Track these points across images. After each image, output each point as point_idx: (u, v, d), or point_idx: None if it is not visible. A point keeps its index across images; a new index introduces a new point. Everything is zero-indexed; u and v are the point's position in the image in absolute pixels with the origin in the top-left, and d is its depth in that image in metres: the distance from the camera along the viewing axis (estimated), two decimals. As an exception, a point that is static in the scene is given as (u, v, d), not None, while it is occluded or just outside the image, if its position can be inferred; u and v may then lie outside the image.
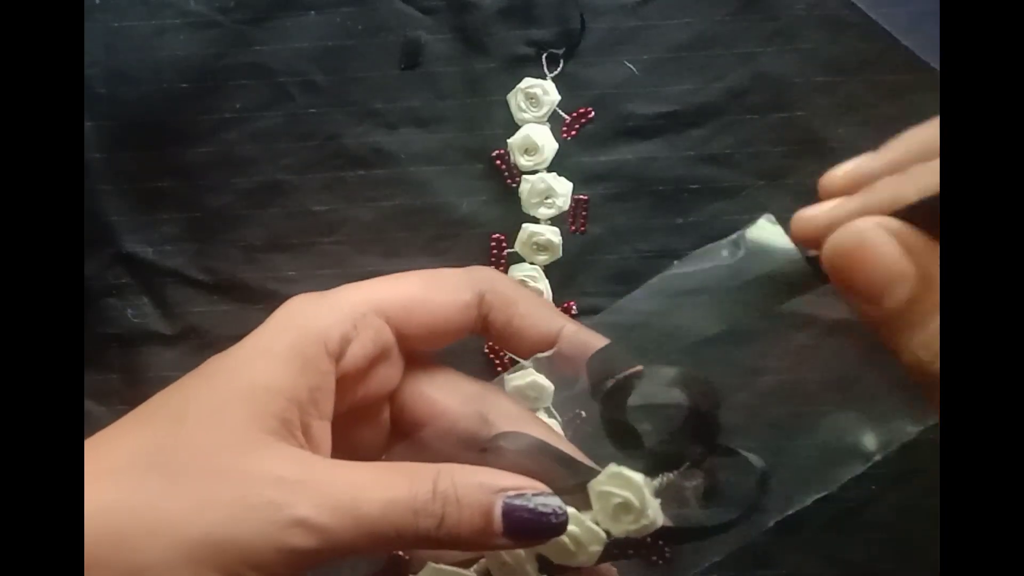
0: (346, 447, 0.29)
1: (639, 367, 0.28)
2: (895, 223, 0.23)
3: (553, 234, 0.40)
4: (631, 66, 0.41)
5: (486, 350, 0.41)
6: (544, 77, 0.41)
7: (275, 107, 0.41)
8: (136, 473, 0.26)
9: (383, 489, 0.26)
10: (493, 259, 0.41)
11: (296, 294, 0.31)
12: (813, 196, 0.29)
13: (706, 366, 0.28)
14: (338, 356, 0.29)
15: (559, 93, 0.40)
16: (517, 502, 0.26)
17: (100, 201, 0.41)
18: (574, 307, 0.41)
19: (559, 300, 0.41)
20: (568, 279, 0.41)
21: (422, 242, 0.41)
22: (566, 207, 0.40)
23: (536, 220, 0.41)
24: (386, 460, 0.32)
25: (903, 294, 0.23)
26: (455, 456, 0.28)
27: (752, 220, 0.28)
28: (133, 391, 0.41)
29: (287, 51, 0.41)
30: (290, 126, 0.41)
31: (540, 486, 0.27)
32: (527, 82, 0.40)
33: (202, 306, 0.41)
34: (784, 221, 0.28)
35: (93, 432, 0.28)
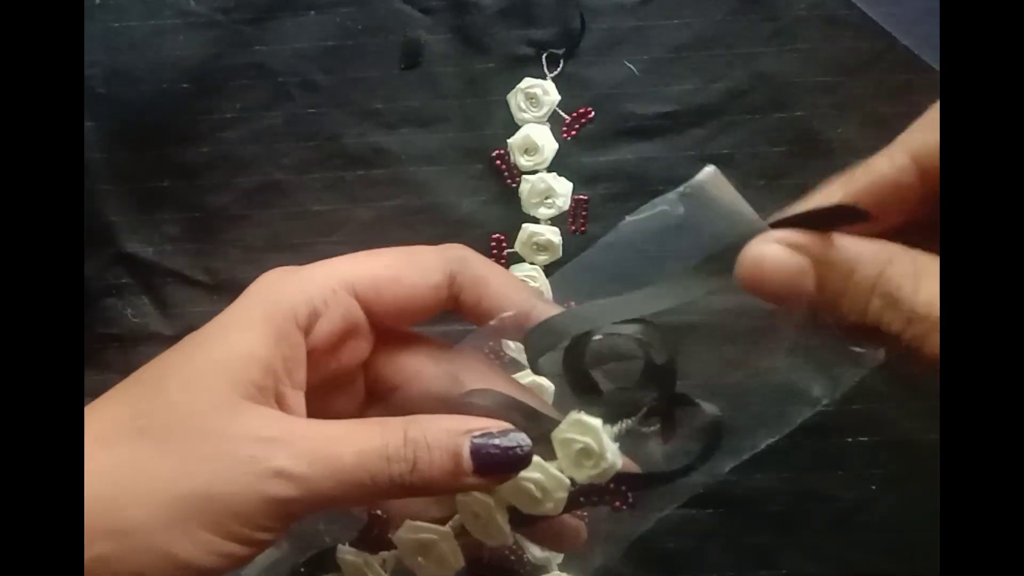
0: (322, 415, 0.29)
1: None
2: (777, 232, 0.26)
3: (553, 234, 0.40)
4: (631, 66, 0.41)
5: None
6: (544, 77, 0.41)
7: (275, 107, 0.41)
8: (120, 440, 0.27)
9: (357, 439, 0.27)
10: (493, 259, 0.41)
11: None
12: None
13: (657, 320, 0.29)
14: (307, 330, 0.29)
15: (559, 93, 0.40)
16: (482, 440, 0.27)
17: (100, 201, 0.41)
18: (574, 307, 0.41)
19: (559, 300, 0.41)
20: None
21: (422, 242, 0.41)
22: (566, 207, 0.40)
23: (536, 220, 0.41)
24: None
25: (811, 281, 0.26)
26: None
27: (698, 170, 0.29)
28: (133, 391, 0.41)
29: (287, 51, 0.41)
30: (290, 126, 0.41)
31: (504, 424, 0.28)
32: (527, 82, 0.40)
33: (202, 306, 0.41)
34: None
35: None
